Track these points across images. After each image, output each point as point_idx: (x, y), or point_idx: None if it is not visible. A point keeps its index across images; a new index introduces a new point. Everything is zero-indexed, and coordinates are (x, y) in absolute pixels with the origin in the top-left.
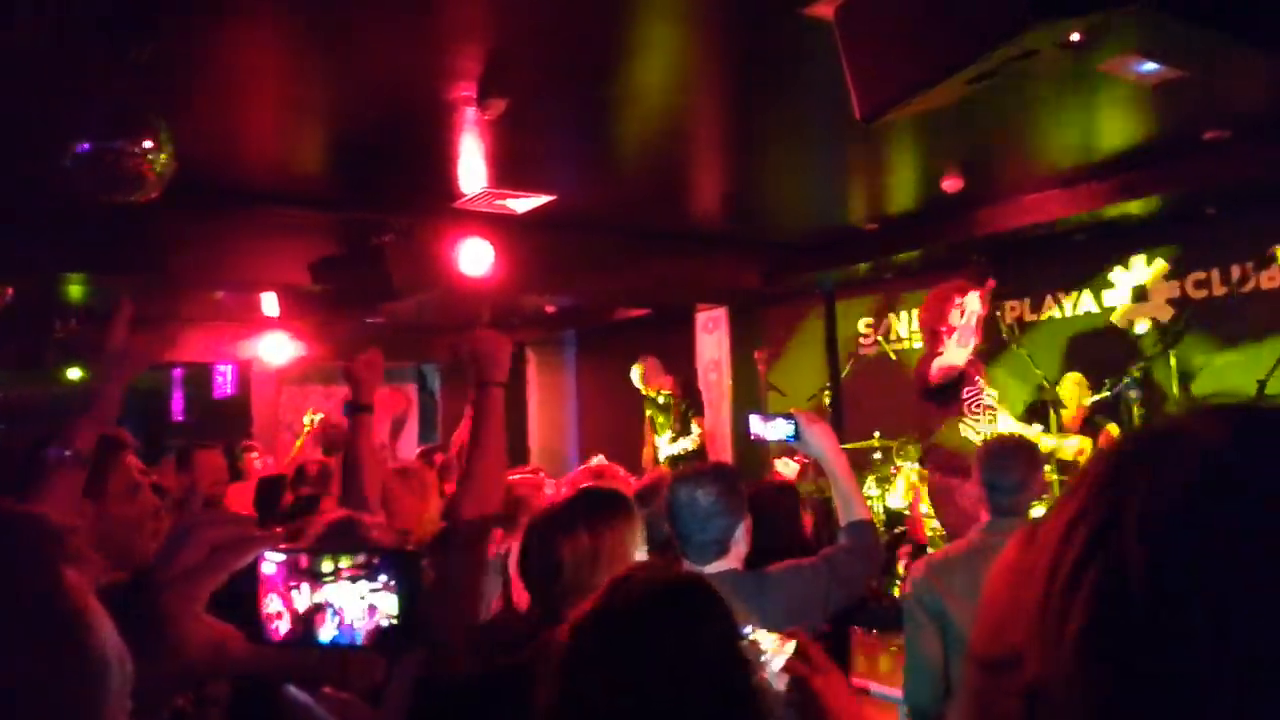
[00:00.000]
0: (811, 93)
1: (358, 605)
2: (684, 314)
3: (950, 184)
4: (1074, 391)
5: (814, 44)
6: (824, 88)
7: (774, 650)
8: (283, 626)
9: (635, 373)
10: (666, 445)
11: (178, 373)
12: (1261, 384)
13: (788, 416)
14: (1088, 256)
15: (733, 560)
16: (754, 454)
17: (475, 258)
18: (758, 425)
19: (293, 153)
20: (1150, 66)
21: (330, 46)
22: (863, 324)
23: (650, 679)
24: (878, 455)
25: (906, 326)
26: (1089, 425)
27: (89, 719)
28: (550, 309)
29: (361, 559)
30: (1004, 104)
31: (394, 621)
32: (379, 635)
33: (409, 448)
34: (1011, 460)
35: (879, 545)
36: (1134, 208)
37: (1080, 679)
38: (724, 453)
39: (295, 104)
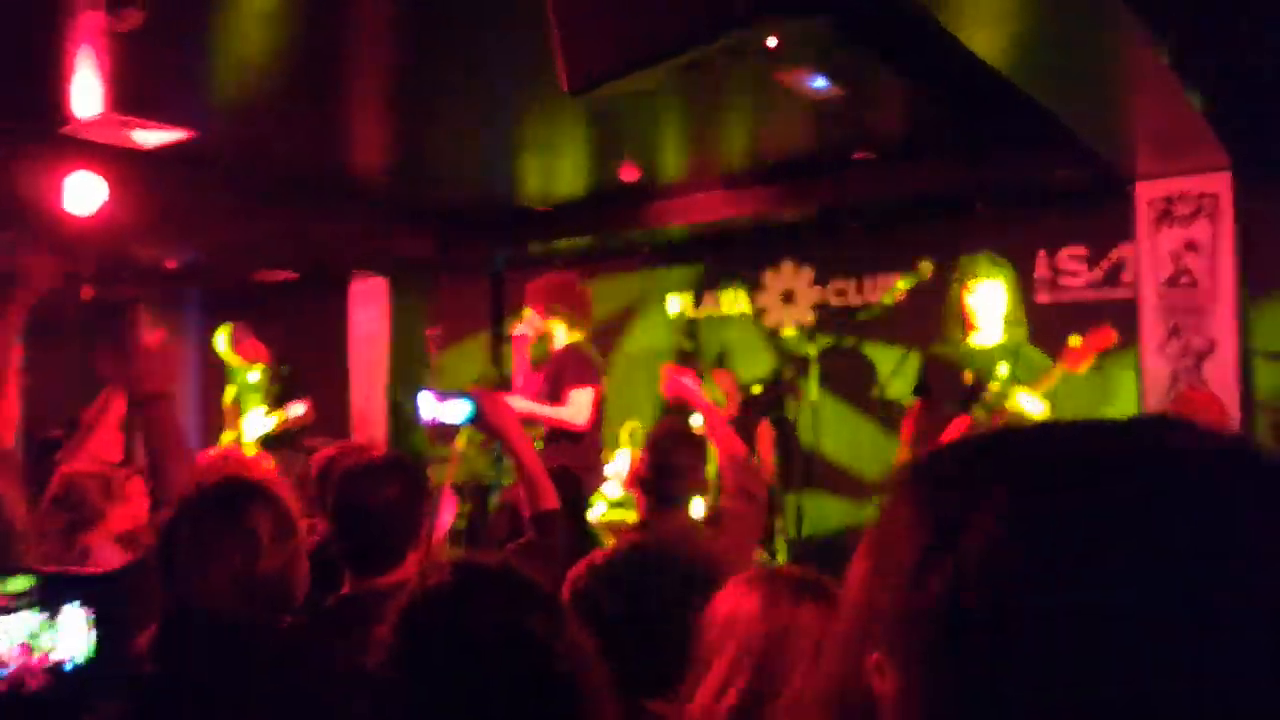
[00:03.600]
0: (491, 60)
1: (6, 644)
2: (336, 283)
3: (628, 173)
4: (725, 384)
5: (498, 7)
6: (505, 56)
7: None
8: None
9: (220, 339)
10: (258, 423)
11: None
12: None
13: (466, 395)
14: (746, 257)
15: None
16: (408, 439)
17: (84, 194)
18: (430, 406)
19: None
20: (820, 83)
21: None
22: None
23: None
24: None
25: None
26: (742, 420)
27: None
28: (171, 264)
29: (24, 586)
30: (682, 101)
31: (76, 662)
32: (51, 680)
33: None
34: (678, 448)
35: (561, 539)
36: (789, 215)
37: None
38: (378, 436)
39: None
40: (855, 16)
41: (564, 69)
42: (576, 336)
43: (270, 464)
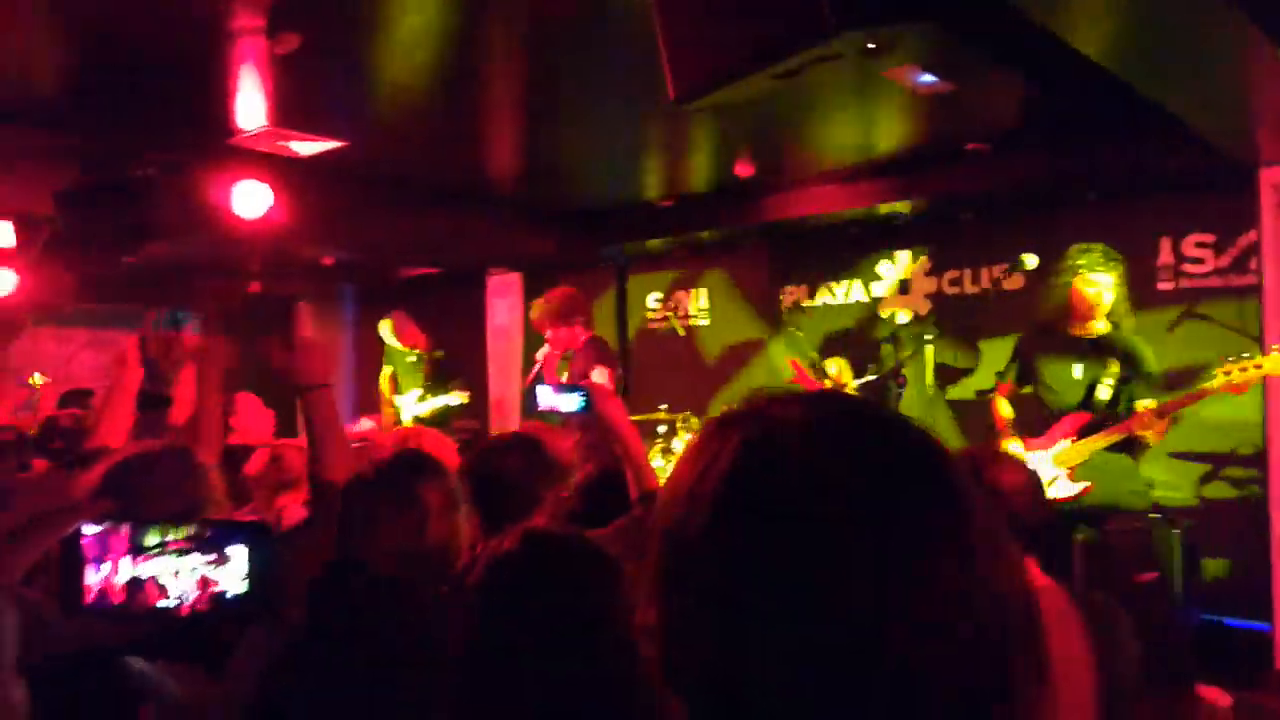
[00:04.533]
0: (614, 66)
1: (187, 577)
2: (475, 278)
3: (742, 169)
4: (838, 374)
5: (621, 16)
6: (627, 62)
7: None
8: (102, 598)
9: (385, 327)
10: (413, 404)
11: None
12: (1000, 375)
13: (579, 388)
14: (860, 249)
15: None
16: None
17: (251, 200)
18: (547, 396)
19: (35, 67)
20: (928, 78)
21: None
22: (652, 298)
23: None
24: (663, 428)
25: (694, 304)
26: None
27: None
28: (328, 261)
29: (193, 531)
30: (795, 100)
31: (238, 592)
32: (217, 605)
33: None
34: None
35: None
36: (902, 207)
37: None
38: (511, 422)
39: (40, 9)
40: (942, 22)
41: (671, 80)
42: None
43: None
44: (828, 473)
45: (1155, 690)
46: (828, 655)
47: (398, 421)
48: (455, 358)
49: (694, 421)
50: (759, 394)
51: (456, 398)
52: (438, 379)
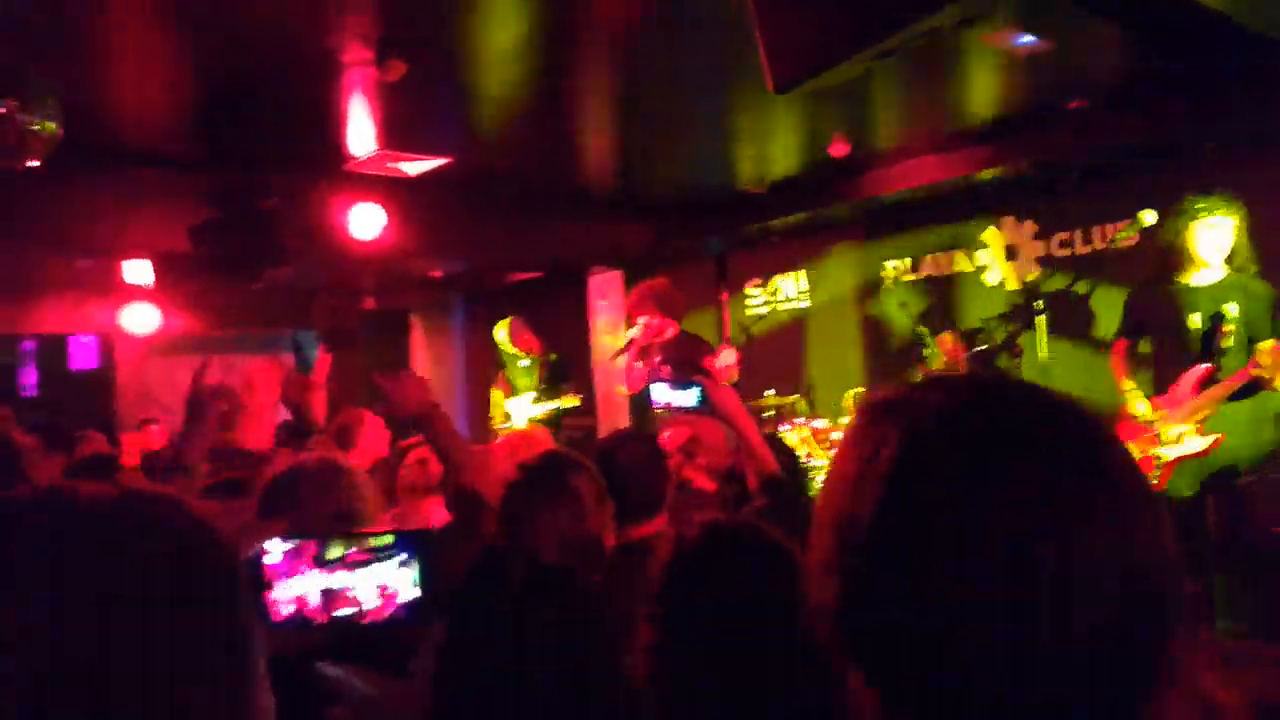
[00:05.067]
0: (697, 58)
1: (370, 585)
2: (576, 279)
3: (838, 149)
4: (948, 346)
5: (701, 14)
6: (713, 58)
7: None
8: (292, 610)
9: (501, 332)
10: (529, 406)
11: (28, 345)
12: (1117, 334)
13: (693, 383)
14: (961, 218)
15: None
16: (647, 421)
17: (366, 222)
18: (663, 392)
19: (164, 109)
20: (1026, 39)
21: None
22: (753, 285)
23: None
24: (771, 413)
25: (795, 286)
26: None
27: None
28: (436, 274)
29: (370, 543)
30: (889, 72)
31: (413, 596)
32: (396, 610)
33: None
34: None
35: (795, 498)
36: (1003, 172)
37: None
38: (620, 418)
39: (166, 57)
40: None
41: (769, 71)
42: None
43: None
44: (989, 460)
45: None
46: (1014, 631)
47: (508, 423)
48: (563, 358)
49: (802, 405)
50: (911, 380)
51: (570, 400)
52: (553, 381)
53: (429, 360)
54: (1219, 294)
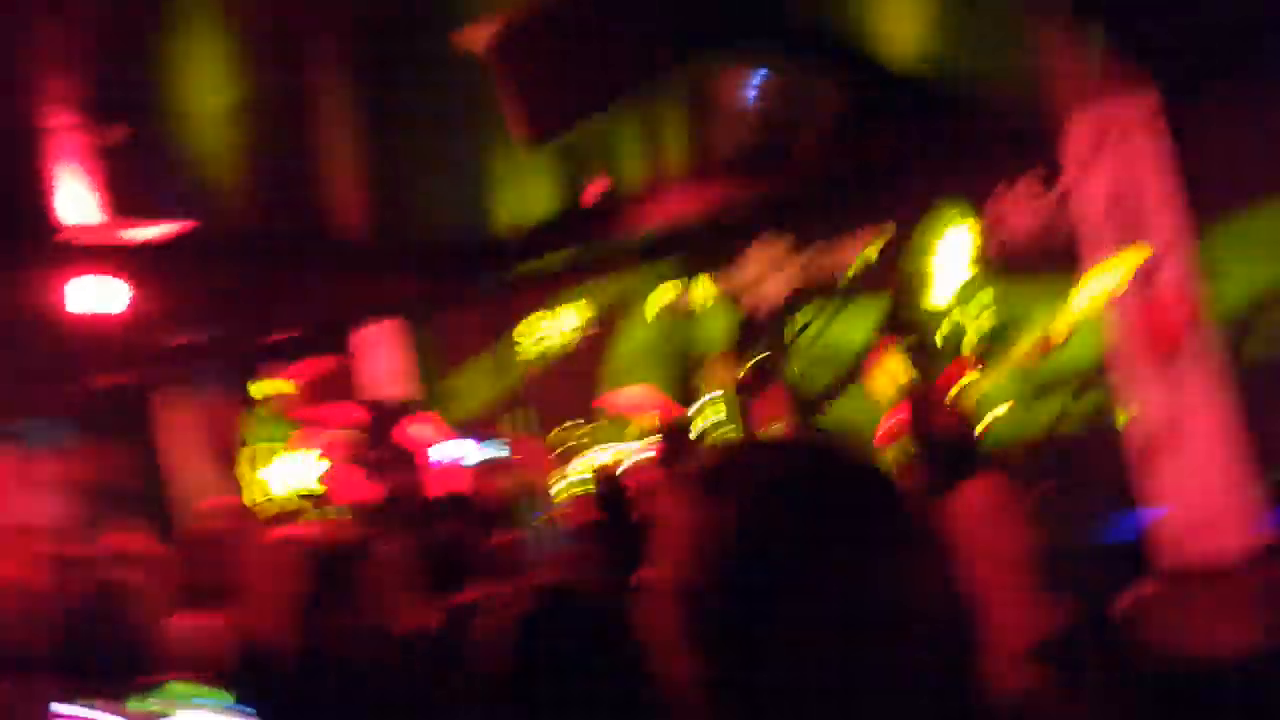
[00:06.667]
0: (450, 115)
1: None
2: (342, 332)
3: (594, 189)
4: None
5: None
6: (460, 113)
7: None
8: None
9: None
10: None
11: None
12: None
13: (499, 442)
14: (719, 245)
15: None
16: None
17: (91, 296)
18: (468, 450)
19: None
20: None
21: None
22: (528, 322)
23: None
24: (571, 443)
25: (573, 319)
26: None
27: None
28: (180, 341)
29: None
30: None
31: None
32: None
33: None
34: None
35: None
36: (756, 197)
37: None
38: None
39: None
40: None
41: (525, 123)
42: None
43: None
44: (807, 522)
45: None
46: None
47: (267, 499)
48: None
49: (601, 433)
50: (721, 448)
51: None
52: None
53: (183, 434)
54: (957, 302)
